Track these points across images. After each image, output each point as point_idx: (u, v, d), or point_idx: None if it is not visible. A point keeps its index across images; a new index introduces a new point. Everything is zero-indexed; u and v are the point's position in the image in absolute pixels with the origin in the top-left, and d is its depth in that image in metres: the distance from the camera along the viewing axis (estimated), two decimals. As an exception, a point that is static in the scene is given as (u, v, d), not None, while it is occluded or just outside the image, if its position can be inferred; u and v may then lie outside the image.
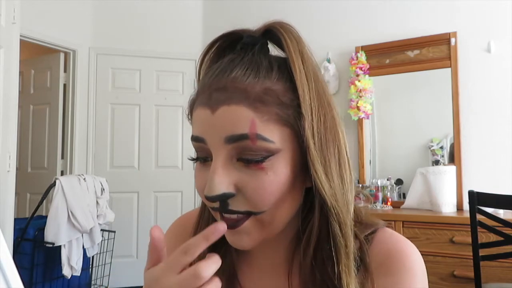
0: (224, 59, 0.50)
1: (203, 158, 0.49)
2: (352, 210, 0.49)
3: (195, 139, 0.48)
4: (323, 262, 0.48)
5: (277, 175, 0.45)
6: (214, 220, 0.55)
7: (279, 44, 0.50)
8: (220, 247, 0.56)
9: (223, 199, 0.46)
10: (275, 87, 0.46)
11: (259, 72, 0.47)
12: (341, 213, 0.47)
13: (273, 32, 0.50)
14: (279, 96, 0.46)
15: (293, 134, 0.47)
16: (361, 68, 2.77)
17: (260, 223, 0.47)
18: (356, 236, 0.50)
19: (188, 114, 0.53)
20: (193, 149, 0.51)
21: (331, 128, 0.48)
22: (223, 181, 0.45)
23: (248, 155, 0.45)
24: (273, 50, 0.52)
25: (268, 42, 0.52)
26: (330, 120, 0.48)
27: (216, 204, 0.47)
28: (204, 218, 0.57)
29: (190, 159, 0.52)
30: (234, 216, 0.47)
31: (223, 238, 0.54)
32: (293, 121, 0.46)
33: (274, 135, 0.45)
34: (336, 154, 0.48)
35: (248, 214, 0.47)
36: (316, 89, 0.48)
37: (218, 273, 0.55)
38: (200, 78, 0.53)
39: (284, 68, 0.48)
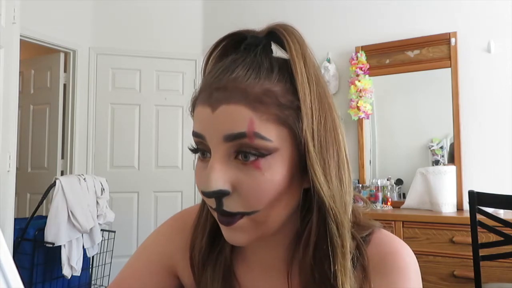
0: (227, 58, 0.50)
1: (202, 150, 0.50)
2: (350, 212, 0.50)
3: (195, 135, 0.49)
4: (321, 261, 0.49)
5: (273, 175, 0.46)
6: (212, 218, 0.56)
7: (282, 46, 0.51)
8: (218, 242, 0.57)
9: (219, 196, 0.47)
10: (275, 89, 0.47)
11: (259, 73, 0.47)
12: (339, 214, 0.48)
13: (276, 34, 0.50)
14: (278, 98, 0.47)
15: (291, 134, 0.47)
16: (361, 68, 2.77)
17: (254, 222, 0.48)
18: (353, 237, 0.51)
19: (191, 111, 0.54)
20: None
21: (331, 130, 0.49)
22: (220, 177, 0.46)
23: (245, 153, 0.46)
24: (276, 51, 0.53)
25: (272, 43, 0.52)
26: (330, 122, 0.49)
27: (213, 203, 0.48)
28: (203, 214, 0.58)
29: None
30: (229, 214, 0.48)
31: (221, 233, 0.54)
32: (292, 121, 0.47)
33: (271, 134, 0.46)
34: (336, 156, 0.49)
35: (241, 215, 0.47)
36: (317, 92, 0.48)
37: (214, 271, 0.56)
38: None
39: (285, 70, 0.49)
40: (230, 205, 0.47)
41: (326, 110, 0.49)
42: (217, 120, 0.46)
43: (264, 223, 0.48)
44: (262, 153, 0.46)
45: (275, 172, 0.46)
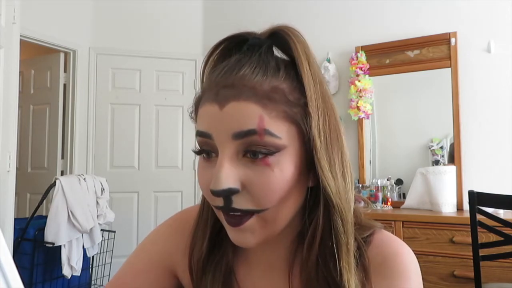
0: (231, 58, 0.50)
1: (207, 151, 0.49)
2: (352, 209, 0.50)
3: (201, 134, 0.48)
4: (326, 258, 0.49)
5: (282, 172, 0.46)
6: (212, 221, 0.55)
7: (284, 47, 0.51)
8: (219, 245, 0.56)
9: (228, 194, 0.46)
10: (283, 86, 0.47)
11: (267, 71, 0.47)
12: (344, 210, 0.48)
13: (279, 35, 0.50)
14: (286, 95, 0.47)
15: (299, 132, 0.47)
16: (361, 68, 2.77)
17: (263, 220, 0.48)
18: (355, 238, 0.51)
19: (192, 113, 0.53)
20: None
21: (334, 129, 0.49)
22: (229, 175, 0.46)
23: (255, 150, 0.46)
24: (276, 54, 0.53)
25: (273, 45, 0.52)
26: (333, 121, 0.50)
27: (220, 202, 0.47)
28: (203, 218, 0.57)
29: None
30: (238, 213, 0.47)
31: (223, 238, 0.54)
32: (300, 119, 0.47)
33: (281, 131, 0.46)
34: (339, 154, 0.49)
35: (251, 213, 0.47)
36: (321, 92, 0.49)
37: (214, 275, 0.55)
38: (204, 78, 0.53)
39: (290, 69, 0.49)
40: (239, 202, 0.47)
41: (329, 110, 0.49)
42: (226, 117, 0.46)
43: (273, 222, 0.48)
44: (271, 151, 0.46)
45: (284, 169, 0.46)
